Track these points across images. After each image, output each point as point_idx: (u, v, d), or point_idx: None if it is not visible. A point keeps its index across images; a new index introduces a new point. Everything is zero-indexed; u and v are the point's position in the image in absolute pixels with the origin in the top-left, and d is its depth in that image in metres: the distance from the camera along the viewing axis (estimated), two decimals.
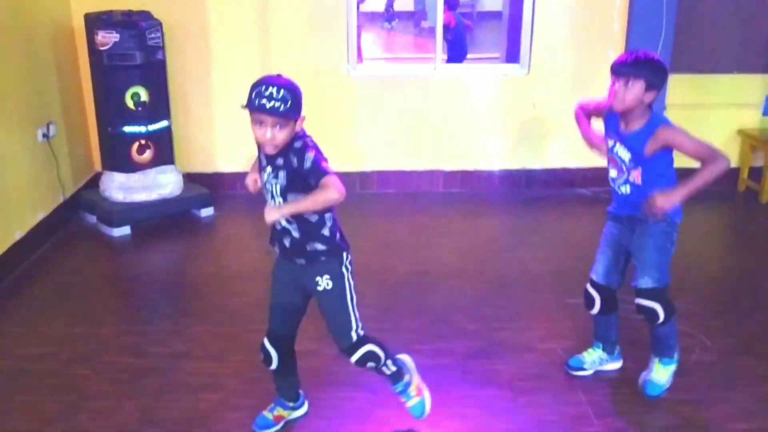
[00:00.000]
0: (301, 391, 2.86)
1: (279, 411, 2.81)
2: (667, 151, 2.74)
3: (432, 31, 6.93)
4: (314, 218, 2.43)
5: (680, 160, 2.79)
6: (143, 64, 4.63)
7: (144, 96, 4.69)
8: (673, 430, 2.81)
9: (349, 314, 2.55)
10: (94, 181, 5.15)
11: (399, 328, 3.52)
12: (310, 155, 2.33)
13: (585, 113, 3.07)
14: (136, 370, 3.19)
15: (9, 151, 4.16)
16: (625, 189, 2.85)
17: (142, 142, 4.78)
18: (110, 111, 4.70)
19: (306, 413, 2.87)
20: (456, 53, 8.50)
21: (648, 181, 2.76)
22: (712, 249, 4.74)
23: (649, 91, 2.68)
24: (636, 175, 2.79)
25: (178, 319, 3.68)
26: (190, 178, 5.17)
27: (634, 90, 2.67)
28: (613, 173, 2.89)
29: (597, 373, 3.15)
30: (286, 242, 2.48)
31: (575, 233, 4.85)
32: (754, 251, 4.69)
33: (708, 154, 2.66)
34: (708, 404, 2.94)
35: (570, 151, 5.57)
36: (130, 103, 4.66)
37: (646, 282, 2.83)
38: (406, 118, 5.49)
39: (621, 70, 2.69)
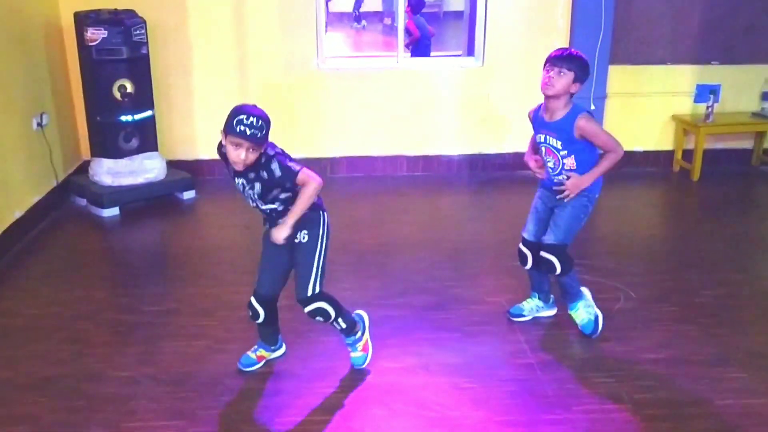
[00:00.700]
0: (280, 335, 3.29)
1: (261, 352, 3.24)
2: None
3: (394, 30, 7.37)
4: (290, 195, 2.83)
5: None
6: (129, 58, 5.04)
7: (130, 88, 5.10)
8: (592, 360, 3.30)
9: (312, 270, 2.92)
10: (82, 168, 5.55)
11: (365, 287, 3.99)
12: (274, 166, 2.72)
13: (531, 146, 3.52)
14: (133, 324, 3.61)
15: (8, 138, 4.56)
16: (563, 176, 3.27)
17: (129, 130, 5.19)
18: (99, 102, 5.10)
19: (284, 353, 3.32)
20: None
21: (580, 166, 3.23)
22: (647, 220, 5.29)
23: (575, 83, 3.16)
24: (570, 163, 3.23)
25: (167, 283, 4.12)
26: (173, 164, 5.59)
27: (565, 79, 3.14)
28: (550, 163, 3.30)
29: (534, 319, 3.65)
30: (275, 216, 2.88)
31: (524, 209, 5.24)
32: (683, 222, 5.26)
33: (611, 146, 3.20)
34: (626, 341, 3.43)
35: (521, 136, 6.01)
36: (117, 95, 5.06)
37: (549, 238, 3.35)
38: (372, 108, 5.96)
39: (556, 61, 3.15)
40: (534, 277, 3.61)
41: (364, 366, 3.21)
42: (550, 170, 3.34)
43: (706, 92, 5.95)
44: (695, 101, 6.08)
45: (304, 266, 2.94)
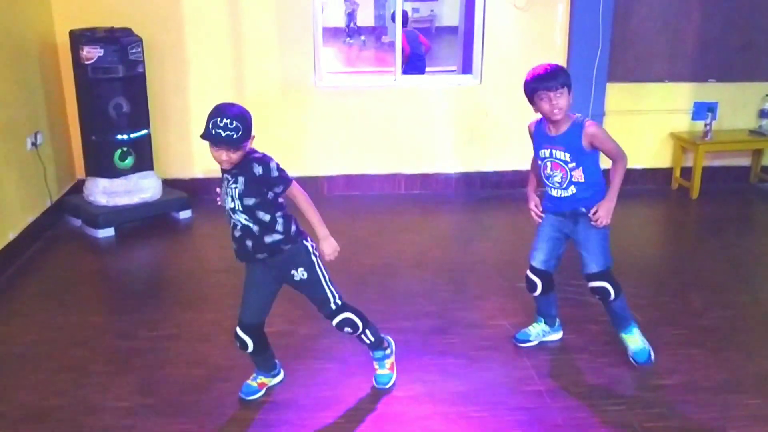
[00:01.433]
0: (276, 360, 3.21)
1: (261, 379, 3.18)
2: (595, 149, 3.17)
3: (389, 45, 7.35)
4: (267, 218, 2.79)
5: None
6: (125, 77, 4.98)
7: (125, 106, 5.04)
8: (603, 386, 3.24)
9: (326, 292, 2.94)
10: (76, 188, 5.47)
11: (366, 310, 3.82)
12: (274, 165, 2.72)
13: (533, 179, 3.46)
14: (130, 351, 3.53)
15: (2, 158, 4.48)
16: (571, 190, 3.17)
17: (124, 149, 5.12)
18: (94, 120, 5.03)
19: (283, 380, 3.24)
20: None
21: (588, 178, 3.16)
22: (648, 239, 5.26)
23: (570, 93, 3.10)
24: (578, 175, 3.14)
25: (165, 307, 4.03)
26: (168, 183, 5.52)
27: (566, 96, 3.07)
28: (557, 177, 3.18)
29: (540, 343, 3.59)
30: (249, 245, 2.80)
31: (523, 228, 5.24)
32: (684, 241, 5.23)
33: (618, 152, 3.14)
34: (634, 366, 3.37)
35: (519, 154, 6.02)
36: (112, 113, 5.00)
37: (593, 267, 3.25)
38: (370, 125, 5.92)
39: (551, 84, 3.02)
40: (541, 302, 3.54)
41: (387, 386, 3.18)
42: (557, 185, 3.21)
43: (703, 110, 5.94)
44: (693, 119, 6.08)
45: (317, 293, 2.96)
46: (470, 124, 5.99)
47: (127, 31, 5.04)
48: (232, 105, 2.70)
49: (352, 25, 16.94)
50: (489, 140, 6.04)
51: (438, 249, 4.92)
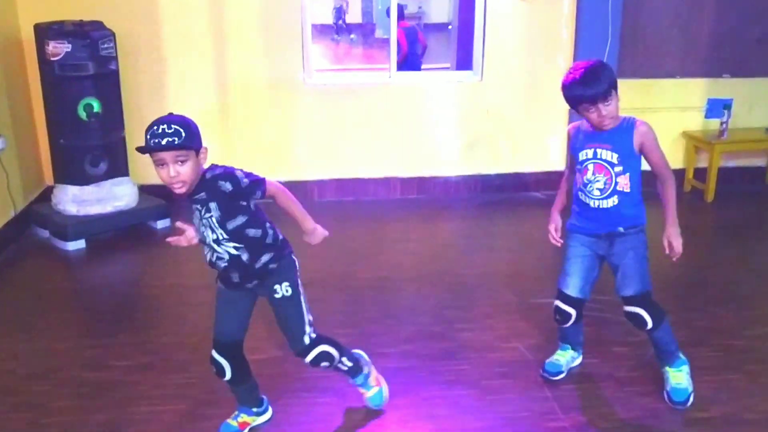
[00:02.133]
0: (263, 396, 2.85)
1: (243, 417, 2.80)
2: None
3: (382, 42, 6.98)
4: (258, 233, 2.47)
5: None
6: (96, 74, 4.59)
7: (97, 107, 4.63)
8: (635, 421, 2.87)
9: (303, 319, 2.57)
10: (45, 195, 5.05)
11: (365, 333, 3.53)
12: (240, 174, 2.38)
13: (563, 194, 3.05)
14: (99, 384, 3.12)
15: None
16: (613, 201, 2.76)
17: (96, 153, 4.72)
18: (63, 123, 4.63)
19: (271, 418, 2.86)
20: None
21: (634, 188, 2.75)
22: (664, 248, 4.88)
23: (617, 93, 2.66)
24: (624, 183, 2.73)
25: (139, 331, 3.62)
26: (145, 190, 5.10)
27: (614, 103, 2.63)
28: (599, 184, 2.75)
29: None
30: (235, 277, 2.51)
31: (530, 235, 4.94)
32: (703, 248, 4.86)
33: (666, 167, 2.77)
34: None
35: (523, 155, 5.70)
36: (83, 115, 4.60)
37: (628, 291, 2.85)
38: (363, 125, 5.54)
39: (597, 93, 2.58)
40: (571, 331, 3.12)
41: (383, 404, 2.84)
42: (597, 193, 2.76)
43: (717, 107, 5.60)
44: (706, 116, 5.74)
45: (294, 318, 2.58)
46: (471, 124, 5.62)
47: (97, 25, 4.65)
48: (171, 114, 2.35)
49: (340, 22, 16.55)
50: (491, 141, 5.67)
51: (440, 260, 4.53)
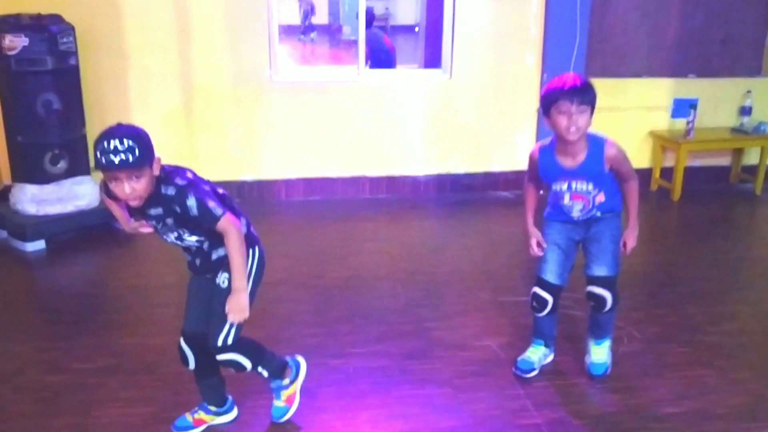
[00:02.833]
0: (229, 396, 2.78)
1: (200, 414, 2.75)
2: None
3: (350, 43, 6.90)
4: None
5: None
6: (55, 69, 4.45)
7: (56, 103, 4.49)
8: (608, 416, 2.86)
9: (226, 319, 2.44)
10: (3, 195, 4.89)
11: (335, 333, 3.47)
12: (191, 202, 2.27)
13: (531, 208, 3.06)
14: (61, 388, 3.00)
15: None
16: (593, 212, 2.89)
17: (56, 151, 4.57)
18: (20, 119, 4.48)
19: (236, 418, 2.79)
20: None
21: (608, 193, 2.86)
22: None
23: (592, 116, 2.68)
24: (600, 198, 2.86)
25: (103, 332, 3.51)
26: None
27: (587, 115, 2.66)
28: (578, 206, 2.87)
29: None
30: (198, 262, 2.49)
31: (500, 234, 4.94)
32: (670, 246, 4.90)
33: (632, 173, 2.88)
34: (640, 391, 3.01)
35: (492, 154, 5.69)
36: (41, 111, 4.45)
37: (602, 270, 2.93)
38: (331, 124, 5.47)
39: (576, 98, 2.61)
40: (546, 323, 3.12)
41: (282, 420, 2.76)
42: (578, 212, 2.89)
43: (683, 107, 5.66)
44: (672, 116, 5.79)
45: (218, 314, 2.45)
46: (440, 123, 5.58)
47: (56, 18, 4.49)
48: (120, 125, 2.22)
49: (307, 23, 16.43)
50: (460, 140, 5.64)
51: (409, 259, 4.48)
